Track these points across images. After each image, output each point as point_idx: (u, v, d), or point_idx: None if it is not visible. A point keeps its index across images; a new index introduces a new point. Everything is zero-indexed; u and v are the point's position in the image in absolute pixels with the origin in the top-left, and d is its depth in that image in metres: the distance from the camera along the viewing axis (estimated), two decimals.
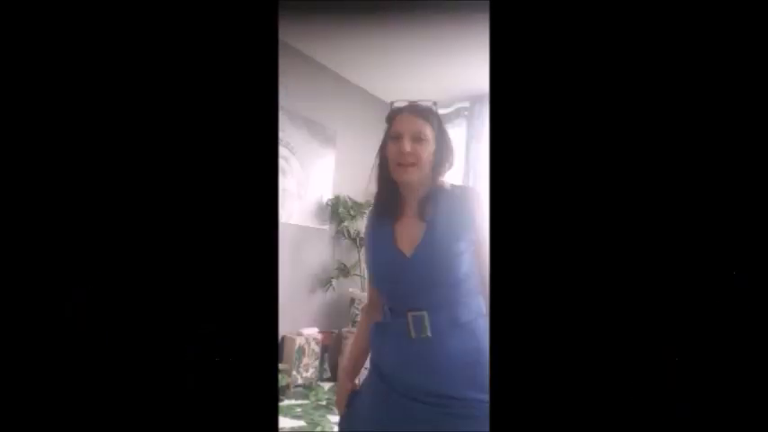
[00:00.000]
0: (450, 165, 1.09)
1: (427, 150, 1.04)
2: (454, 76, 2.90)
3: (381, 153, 1.14)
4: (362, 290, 3.03)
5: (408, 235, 1.06)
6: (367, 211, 1.24)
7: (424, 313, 1.01)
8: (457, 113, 3.31)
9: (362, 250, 3.02)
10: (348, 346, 2.81)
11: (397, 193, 1.10)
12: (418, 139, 1.05)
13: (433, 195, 1.06)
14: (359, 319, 1.45)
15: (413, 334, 1.00)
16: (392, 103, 1.15)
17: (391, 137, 1.07)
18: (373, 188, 1.16)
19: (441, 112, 1.13)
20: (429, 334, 0.99)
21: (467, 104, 3.24)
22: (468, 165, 3.15)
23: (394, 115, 1.11)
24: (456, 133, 3.32)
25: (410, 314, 1.01)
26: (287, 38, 2.60)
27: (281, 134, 2.59)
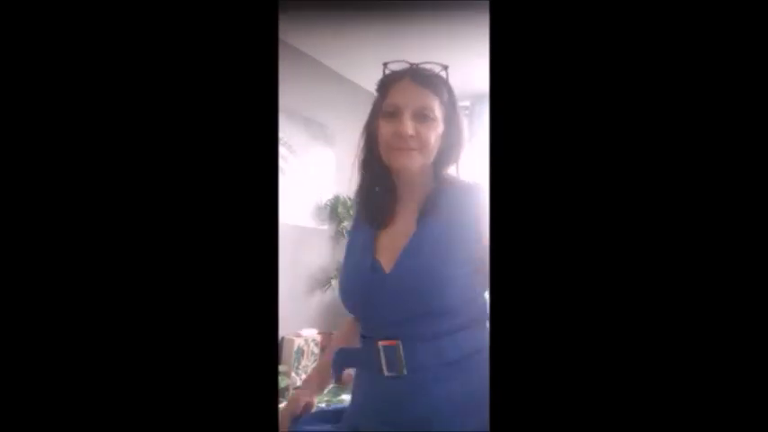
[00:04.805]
0: (459, 154, 0.84)
1: (435, 133, 0.78)
2: (454, 76, 2.89)
3: (368, 132, 0.84)
4: None
5: (394, 244, 0.79)
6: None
7: (398, 344, 0.74)
8: None
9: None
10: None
11: (390, 186, 0.83)
12: (423, 116, 0.77)
13: (439, 194, 0.80)
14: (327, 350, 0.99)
15: (385, 371, 0.74)
16: (386, 64, 0.84)
17: (386, 112, 0.78)
18: (356, 180, 0.87)
19: None
20: (405, 372, 0.74)
21: (467, 104, 3.24)
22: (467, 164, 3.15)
23: (390, 83, 0.81)
24: None
25: (381, 344, 0.75)
26: (287, 37, 2.59)
27: (280, 134, 2.59)
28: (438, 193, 0.80)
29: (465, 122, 0.85)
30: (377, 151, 0.81)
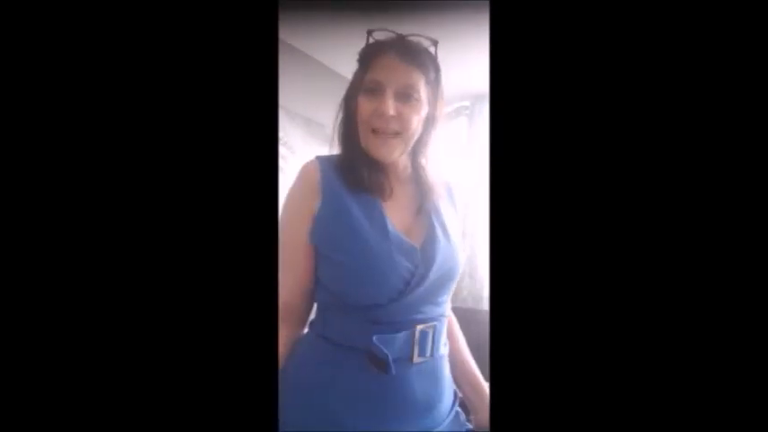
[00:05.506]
0: (430, 137, 0.77)
1: (418, 116, 0.72)
2: (454, 76, 2.89)
3: (346, 106, 0.76)
4: None
5: (404, 222, 0.74)
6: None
7: (434, 326, 0.70)
8: (457, 113, 3.31)
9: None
10: None
11: (373, 165, 0.74)
12: (407, 96, 0.70)
13: (431, 184, 0.78)
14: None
15: (416, 356, 0.68)
16: (370, 32, 0.74)
17: (367, 88, 0.71)
18: (337, 151, 0.80)
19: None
20: (432, 356, 0.71)
21: (467, 104, 3.23)
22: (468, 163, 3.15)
23: (374, 55, 0.72)
24: (457, 132, 3.32)
25: (419, 328, 0.68)
26: (287, 37, 2.59)
27: (280, 134, 2.59)
28: (430, 182, 0.78)
29: (443, 103, 0.78)
30: (355, 128, 0.74)
